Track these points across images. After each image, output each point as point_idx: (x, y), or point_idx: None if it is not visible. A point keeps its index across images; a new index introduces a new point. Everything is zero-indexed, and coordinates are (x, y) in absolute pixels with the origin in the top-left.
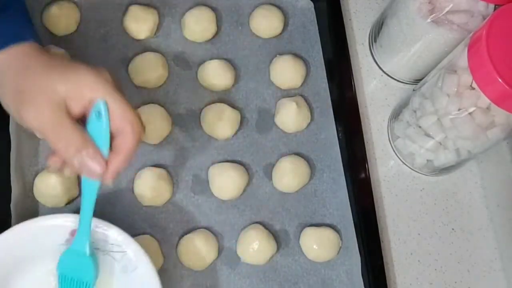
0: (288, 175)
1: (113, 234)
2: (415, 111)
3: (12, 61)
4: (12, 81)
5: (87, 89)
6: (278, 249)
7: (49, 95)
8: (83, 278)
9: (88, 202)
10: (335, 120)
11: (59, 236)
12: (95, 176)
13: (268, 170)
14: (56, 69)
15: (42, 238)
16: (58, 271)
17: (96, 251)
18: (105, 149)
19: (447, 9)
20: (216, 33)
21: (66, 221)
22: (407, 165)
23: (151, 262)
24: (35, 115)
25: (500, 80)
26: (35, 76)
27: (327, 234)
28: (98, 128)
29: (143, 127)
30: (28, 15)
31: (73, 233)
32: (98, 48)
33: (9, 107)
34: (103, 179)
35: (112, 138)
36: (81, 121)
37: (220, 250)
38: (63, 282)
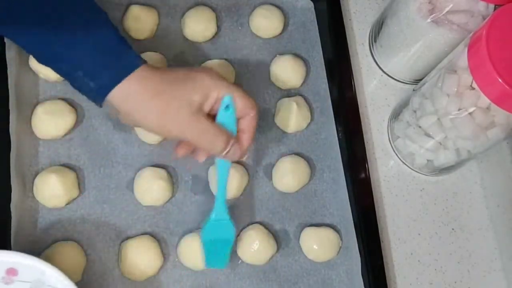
0: (288, 175)
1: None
2: (415, 111)
3: (139, 87)
4: (150, 105)
5: (214, 91)
6: (278, 249)
7: (188, 107)
8: (225, 236)
9: (223, 179)
10: (335, 120)
11: None
12: (235, 159)
13: (268, 170)
14: (182, 82)
15: None
16: (203, 238)
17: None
18: (234, 133)
19: (447, 9)
20: (216, 33)
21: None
22: (407, 165)
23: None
24: (182, 126)
25: (500, 80)
26: (170, 93)
27: (327, 234)
28: (227, 117)
29: (259, 109)
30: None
31: (9, 271)
32: None
33: (151, 128)
34: (240, 157)
35: (237, 121)
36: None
37: None
38: (208, 246)
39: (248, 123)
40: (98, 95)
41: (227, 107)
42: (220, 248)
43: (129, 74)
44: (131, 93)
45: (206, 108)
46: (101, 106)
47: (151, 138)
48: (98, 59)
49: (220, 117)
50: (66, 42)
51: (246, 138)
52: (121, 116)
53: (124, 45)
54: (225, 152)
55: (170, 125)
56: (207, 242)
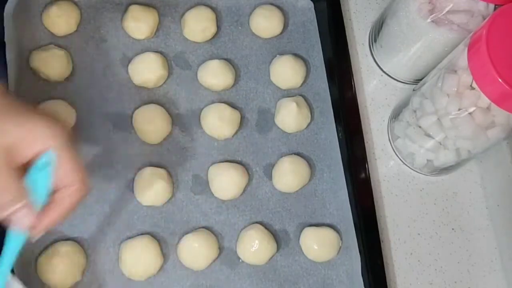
0: (288, 175)
1: None
2: (415, 111)
3: None
4: None
5: (40, 140)
6: (278, 249)
7: None
8: None
9: (10, 254)
10: (335, 120)
11: None
12: (23, 228)
13: (268, 170)
14: (12, 113)
15: None
16: None
17: None
18: (41, 201)
19: (447, 9)
20: (216, 33)
21: None
22: (407, 165)
23: None
24: None
25: (500, 80)
26: None
27: (327, 234)
28: (41, 179)
29: (88, 190)
30: None
31: None
32: (98, 48)
33: None
34: (32, 232)
35: (54, 191)
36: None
37: (220, 250)
38: None
39: (64, 198)
40: None
41: (44, 166)
42: None
43: None
44: None
45: (22, 155)
46: None
47: (151, 138)
48: None
49: (30, 175)
50: None
51: (50, 215)
52: None
53: None
54: (5, 212)
55: None
56: None
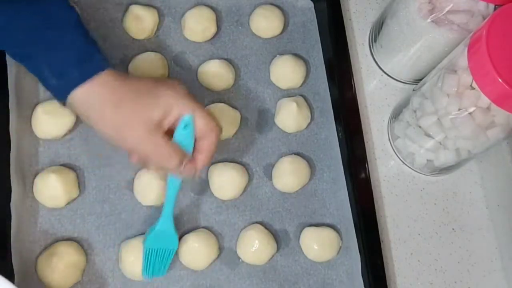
0: (288, 175)
1: None
2: (415, 111)
3: (102, 93)
4: (110, 116)
5: (176, 109)
6: (278, 249)
7: (146, 123)
8: (169, 246)
9: (171, 194)
10: (335, 120)
11: None
12: (189, 176)
13: (268, 170)
14: (145, 96)
15: None
16: (145, 246)
17: None
18: (190, 152)
19: (447, 9)
20: (216, 33)
21: None
22: (407, 165)
23: None
24: (137, 141)
25: (500, 80)
26: (131, 107)
27: (327, 234)
28: (185, 136)
29: (220, 130)
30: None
31: None
32: None
33: (107, 137)
34: (192, 177)
35: (195, 141)
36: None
37: (220, 250)
38: (149, 255)
39: (206, 145)
40: (59, 94)
41: (185, 126)
42: (161, 258)
43: (92, 77)
44: (91, 98)
45: (166, 125)
46: (64, 104)
47: None
48: (63, 58)
49: (177, 135)
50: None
51: (201, 159)
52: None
53: (92, 47)
54: (177, 170)
55: (125, 139)
56: (149, 251)
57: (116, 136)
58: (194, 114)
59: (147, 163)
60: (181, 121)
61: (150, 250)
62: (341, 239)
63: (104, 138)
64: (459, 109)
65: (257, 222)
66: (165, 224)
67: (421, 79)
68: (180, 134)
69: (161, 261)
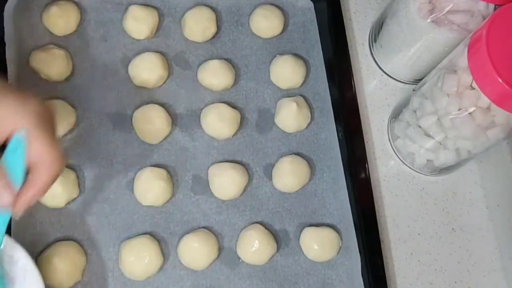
0: (288, 175)
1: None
2: (415, 111)
3: None
4: None
5: (10, 119)
6: (278, 249)
7: None
8: None
9: None
10: (335, 120)
11: None
12: (4, 206)
13: (268, 170)
14: None
15: None
16: None
17: None
18: (18, 181)
19: (447, 9)
20: (216, 33)
21: None
22: (407, 165)
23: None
24: None
25: (500, 80)
26: None
27: (327, 234)
28: (15, 159)
29: (62, 165)
30: None
31: None
32: (98, 48)
33: None
34: (13, 211)
35: (29, 170)
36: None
37: (220, 250)
38: None
39: (39, 176)
40: None
41: (16, 147)
42: None
43: None
44: None
45: None
46: None
47: (151, 138)
48: None
49: (7, 156)
50: None
51: (28, 193)
52: None
53: None
54: None
55: None
56: None
57: None
58: (29, 133)
59: None
60: (12, 140)
61: None
62: (341, 239)
63: None
64: (459, 109)
65: (257, 222)
66: None
67: (421, 79)
68: (10, 156)
69: None
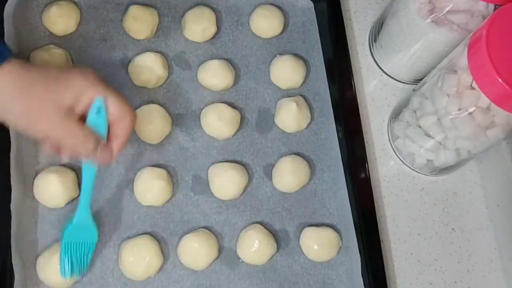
0: (288, 175)
1: None
2: (415, 111)
3: (9, 81)
4: (19, 103)
5: (87, 93)
6: (278, 249)
7: (57, 108)
8: (88, 240)
9: (88, 182)
10: (335, 120)
11: None
12: (99, 158)
13: (268, 170)
14: (55, 82)
15: None
16: (62, 242)
17: None
18: (104, 137)
19: (447, 9)
20: (216, 33)
21: None
22: (407, 165)
23: None
24: (49, 128)
25: (500, 80)
26: (40, 93)
27: (327, 234)
28: (98, 121)
29: (135, 116)
30: None
31: None
32: (98, 48)
33: (19, 126)
34: (108, 163)
35: (109, 126)
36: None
37: (220, 250)
38: (67, 251)
39: (120, 129)
40: None
41: (98, 110)
42: (81, 254)
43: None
44: None
45: (78, 110)
46: None
47: (151, 138)
48: None
49: (90, 120)
50: None
51: (116, 144)
52: None
53: None
54: (93, 155)
55: (36, 126)
56: (66, 246)
57: (27, 124)
58: (105, 98)
59: (61, 150)
60: (93, 106)
61: (68, 245)
62: (341, 239)
63: (15, 127)
64: (459, 109)
65: (257, 222)
66: (82, 216)
67: (421, 79)
68: (93, 119)
69: (81, 258)
